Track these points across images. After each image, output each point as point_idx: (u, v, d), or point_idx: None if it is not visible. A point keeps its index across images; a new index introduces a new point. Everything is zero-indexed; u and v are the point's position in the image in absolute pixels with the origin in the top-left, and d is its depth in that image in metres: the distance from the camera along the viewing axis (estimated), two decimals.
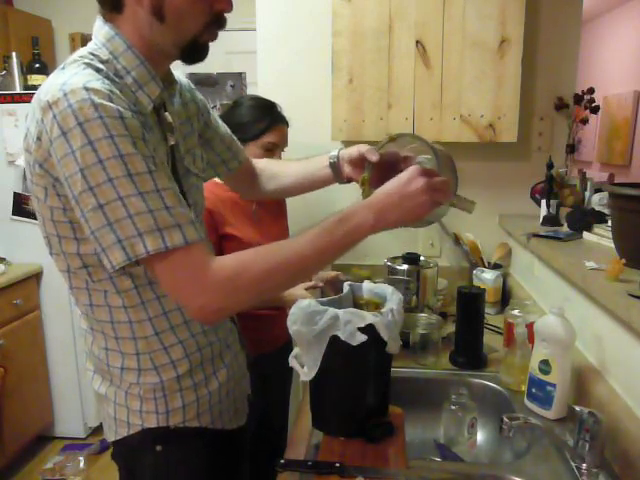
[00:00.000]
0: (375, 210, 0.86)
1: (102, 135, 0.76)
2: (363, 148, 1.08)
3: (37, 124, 0.80)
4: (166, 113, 0.97)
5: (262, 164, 1.30)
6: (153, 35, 0.87)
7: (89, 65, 0.84)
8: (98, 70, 0.84)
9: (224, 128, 1.20)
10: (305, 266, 0.87)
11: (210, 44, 0.92)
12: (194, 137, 1.07)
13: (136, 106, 0.86)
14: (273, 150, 1.63)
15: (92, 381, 1.03)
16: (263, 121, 1.61)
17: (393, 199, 0.87)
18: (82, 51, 0.88)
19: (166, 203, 0.79)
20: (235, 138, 1.24)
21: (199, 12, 0.86)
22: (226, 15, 0.90)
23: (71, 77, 0.79)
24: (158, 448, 0.97)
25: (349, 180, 1.15)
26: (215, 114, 1.19)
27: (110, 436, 1.01)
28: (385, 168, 1.04)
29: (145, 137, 0.82)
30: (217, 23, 0.89)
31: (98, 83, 0.80)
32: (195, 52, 0.90)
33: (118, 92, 0.82)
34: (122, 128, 0.78)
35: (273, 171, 1.27)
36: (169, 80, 0.98)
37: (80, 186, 0.77)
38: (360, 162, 1.09)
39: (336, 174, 1.15)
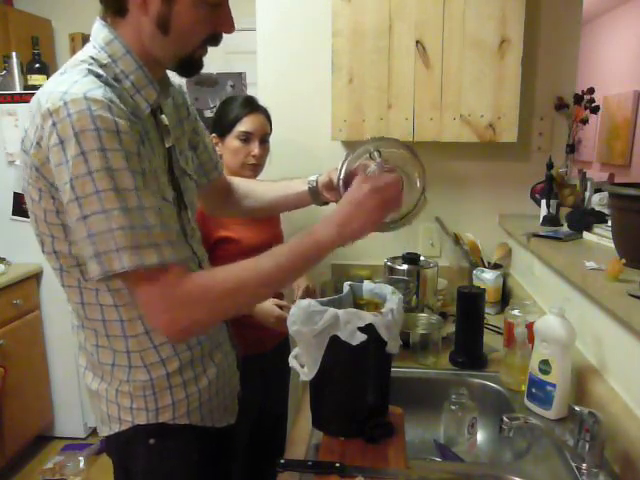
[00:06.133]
0: (336, 223, 0.91)
1: (95, 147, 0.77)
2: (332, 173, 1.14)
3: (37, 129, 0.81)
4: (162, 116, 0.98)
5: (236, 182, 1.30)
6: (153, 45, 0.89)
7: (90, 71, 0.84)
8: (98, 76, 0.84)
9: (208, 137, 1.22)
10: (271, 283, 0.92)
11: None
12: (185, 139, 1.09)
13: (134, 110, 0.87)
14: (249, 140, 1.63)
15: (84, 377, 1.04)
16: (234, 112, 1.64)
17: (349, 210, 0.92)
18: (82, 55, 0.89)
19: (147, 222, 0.81)
20: (215, 150, 1.25)
21: (202, 30, 0.89)
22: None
23: (72, 85, 0.80)
24: (151, 441, 0.98)
25: (326, 203, 1.21)
26: (200, 123, 1.20)
27: (104, 431, 1.02)
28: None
29: (140, 151, 0.83)
30: (214, 41, 0.91)
31: (99, 92, 0.80)
32: (190, 66, 0.93)
33: (117, 100, 0.83)
34: (116, 142, 0.79)
35: (248, 189, 1.29)
36: (164, 83, 0.99)
37: (68, 196, 0.79)
38: (332, 185, 1.15)
39: (314, 197, 1.20)
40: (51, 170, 0.81)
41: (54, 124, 0.78)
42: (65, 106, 0.78)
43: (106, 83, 0.84)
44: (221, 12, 0.89)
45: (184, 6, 0.85)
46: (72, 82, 0.81)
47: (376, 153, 1.05)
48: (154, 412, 0.97)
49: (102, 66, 0.86)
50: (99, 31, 0.90)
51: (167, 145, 0.98)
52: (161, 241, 0.82)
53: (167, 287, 0.83)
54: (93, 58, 0.87)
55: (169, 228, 0.86)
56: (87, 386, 1.03)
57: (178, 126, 1.06)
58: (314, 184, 1.20)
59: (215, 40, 0.91)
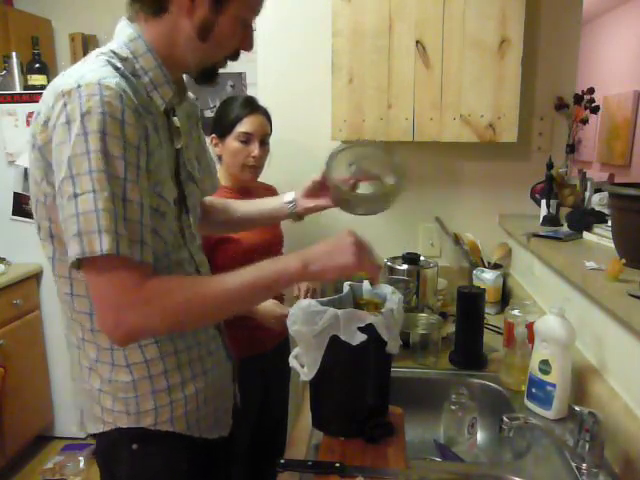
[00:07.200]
0: (303, 258, 0.91)
1: (97, 129, 0.79)
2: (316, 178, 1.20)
3: (47, 109, 0.83)
4: (175, 118, 1.00)
5: (211, 199, 1.31)
6: (185, 48, 0.92)
7: (109, 62, 0.87)
8: (116, 68, 0.87)
9: (209, 152, 1.24)
10: (230, 299, 0.88)
11: None
12: (193, 149, 1.10)
13: (148, 106, 0.90)
14: (249, 141, 1.63)
15: (71, 371, 1.03)
16: (235, 112, 1.63)
17: (322, 250, 0.93)
18: (104, 48, 0.92)
19: (126, 214, 0.81)
20: (215, 166, 1.27)
21: (231, 45, 0.95)
22: None
23: (89, 71, 0.83)
24: (134, 447, 0.97)
25: (301, 217, 1.26)
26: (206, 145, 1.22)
27: (89, 428, 1.01)
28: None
29: (140, 146, 0.84)
30: (235, 56, 0.98)
31: (113, 81, 0.82)
32: (210, 76, 0.98)
33: (130, 92, 0.84)
34: (118, 130, 0.80)
35: (225, 205, 1.32)
36: (181, 87, 1.01)
37: (64, 173, 0.79)
38: (314, 191, 1.21)
39: (291, 214, 1.26)
40: (51, 150, 0.82)
41: (65, 105, 0.80)
42: (78, 89, 0.80)
43: (122, 75, 0.86)
44: (247, 31, 0.95)
45: (228, 19, 0.90)
46: (89, 69, 0.84)
47: (353, 167, 1.13)
48: (135, 416, 0.96)
49: (122, 60, 0.89)
50: (124, 29, 0.92)
51: (177, 146, 1.00)
52: (136, 238, 0.82)
53: (127, 285, 0.81)
54: (114, 52, 0.89)
55: (146, 227, 0.85)
56: (73, 381, 1.02)
57: (188, 133, 1.07)
58: (293, 202, 1.23)
59: (236, 56, 0.98)
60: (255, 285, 0.89)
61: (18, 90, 2.72)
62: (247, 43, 0.96)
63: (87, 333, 0.95)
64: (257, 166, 1.67)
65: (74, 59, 3.35)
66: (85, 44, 3.34)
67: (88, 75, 0.81)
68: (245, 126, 1.62)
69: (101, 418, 0.97)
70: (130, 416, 0.96)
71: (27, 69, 2.78)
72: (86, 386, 0.98)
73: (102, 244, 0.78)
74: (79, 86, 0.80)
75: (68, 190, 0.79)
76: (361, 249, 0.93)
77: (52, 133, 0.82)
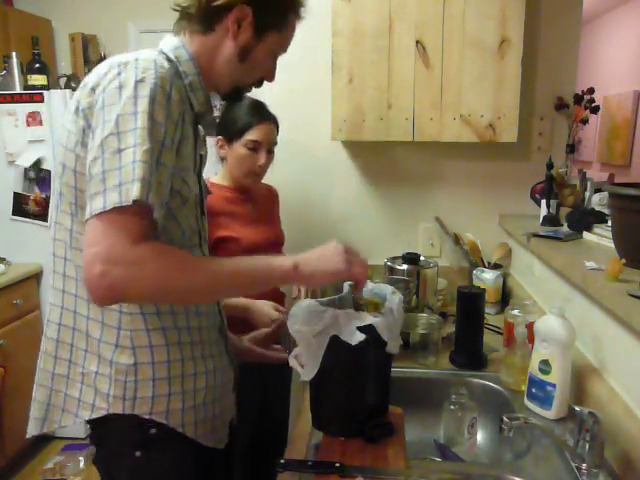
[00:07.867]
0: (295, 259, 0.94)
1: (147, 94, 0.85)
2: None
3: (97, 78, 0.90)
4: (200, 126, 1.06)
5: None
6: (224, 65, 1.00)
7: (159, 55, 0.95)
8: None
9: None
10: (220, 281, 0.91)
11: None
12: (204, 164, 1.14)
13: (186, 102, 0.96)
14: (257, 149, 1.62)
15: (41, 361, 1.02)
16: (245, 119, 1.62)
17: (313, 255, 0.97)
18: (153, 48, 0.99)
19: (158, 177, 0.85)
20: None
21: (261, 72, 1.05)
22: None
23: (145, 52, 0.92)
24: (137, 454, 0.96)
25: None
26: None
27: (66, 420, 0.99)
28: None
29: (177, 125, 0.89)
30: (259, 84, 1.08)
31: (166, 64, 0.92)
32: (236, 95, 1.08)
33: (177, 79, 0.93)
34: (165, 101, 0.87)
35: None
36: (209, 104, 1.07)
37: (110, 129, 0.83)
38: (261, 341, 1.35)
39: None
40: (94, 112, 0.87)
41: (119, 73, 0.86)
42: (135, 61, 0.88)
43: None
44: (274, 64, 1.07)
45: (265, 47, 1.01)
46: (144, 52, 0.92)
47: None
48: (131, 401, 0.94)
49: (168, 60, 0.96)
50: (170, 40, 1.01)
51: (201, 152, 1.05)
52: (160, 198, 0.85)
53: (129, 238, 0.80)
54: (162, 52, 0.97)
55: (166, 196, 0.88)
56: (54, 372, 1.00)
57: (204, 146, 1.12)
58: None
59: (260, 83, 1.08)
60: (247, 273, 0.93)
61: (18, 90, 2.73)
62: (271, 75, 1.08)
63: (94, 309, 0.95)
64: (261, 173, 1.67)
65: (74, 59, 3.35)
66: (85, 44, 3.34)
67: (145, 53, 0.91)
68: (255, 134, 1.60)
69: (91, 404, 0.96)
70: (126, 401, 0.95)
71: (27, 69, 2.78)
72: (74, 373, 0.98)
73: (133, 191, 0.80)
74: (137, 59, 0.88)
75: (112, 145, 0.83)
76: (351, 256, 0.97)
77: (99, 97, 0.87)
